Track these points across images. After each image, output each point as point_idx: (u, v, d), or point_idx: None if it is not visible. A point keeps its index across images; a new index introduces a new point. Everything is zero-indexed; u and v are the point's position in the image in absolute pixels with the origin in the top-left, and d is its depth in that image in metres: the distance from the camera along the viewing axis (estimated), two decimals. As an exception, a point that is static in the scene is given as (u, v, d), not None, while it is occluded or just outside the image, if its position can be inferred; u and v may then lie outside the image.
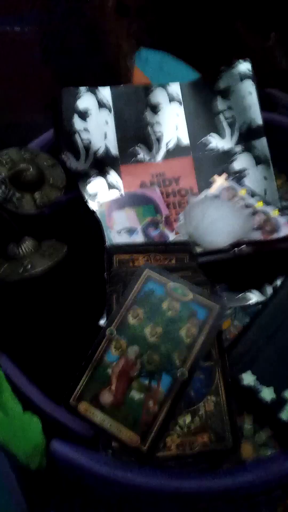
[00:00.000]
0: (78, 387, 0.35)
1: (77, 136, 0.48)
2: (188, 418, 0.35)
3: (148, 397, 0.34)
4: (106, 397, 0.34)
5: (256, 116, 0.49)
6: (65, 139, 0.48)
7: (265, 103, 0.51)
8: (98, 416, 0.34)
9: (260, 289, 0.45)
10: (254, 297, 0.44)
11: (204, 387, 0.35)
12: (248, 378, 0.36)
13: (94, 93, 0.50)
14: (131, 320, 0.36)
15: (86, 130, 0.48)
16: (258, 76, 0.51)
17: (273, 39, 0.85)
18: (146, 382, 0.34)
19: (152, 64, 0.77)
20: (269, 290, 0.44)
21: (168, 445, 0.34)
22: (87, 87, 0.49)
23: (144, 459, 0.33)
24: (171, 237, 0.47)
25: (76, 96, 0.48)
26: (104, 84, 0.51)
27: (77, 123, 0.48)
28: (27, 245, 0.40)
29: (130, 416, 0.33)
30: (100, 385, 0.35)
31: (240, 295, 0.44)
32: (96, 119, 0.49)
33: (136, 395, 0.34)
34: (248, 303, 0.44)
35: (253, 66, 0.50)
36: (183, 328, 0.36)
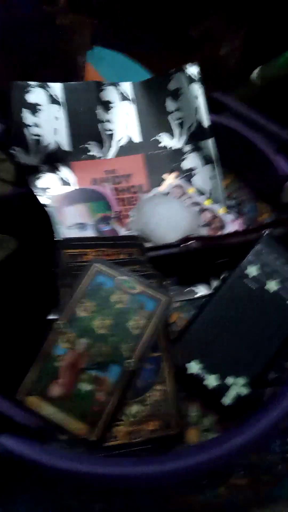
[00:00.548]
0: (25, 381, 0.35)
1: (26, 130, 0.47)
2: (135, 408, 0.36)
3: (96, 388, 0.34)
4: (55, 390, 0.34)
5: (202, 118, 0.51)
6: (15, 133, 0.47)
7: (213, 106, 0.53)
8: (46, 409, 0.34)
9: (207, 283, 0.47)
10: (201, 291, 0.46)
11: (152, 377, 0.37)
12: (194, 367, 0.38)
13: (44, 88, 0.49)
14: (80, 313, 0.37)
15: (36, 125, 0.48)
16: (208, 80, 0.53)
17: (226, 48, 0.89)
18: (95, 373, 0.35)
19: (106, 62, 0.78)
20: (215, 284, 0.47)
21: (116, 434, 0.34)
22: (37, 82, 0.49)
23: (94, 448, 0.33)
24: (122, 233, 0.48)
25: (26, 90, 0.48)
26: (56, 80, 0.51)
27: (27, 117, 0.48)
28: (-27, 239, 0.39)
29: (79, 407, 0.34)
30: (48, 378, 0.35)
31: (187, 288, 0.46)
32: (46, 114, 0.49)
33: (85, 386, 0.34)
34: (195, 296, 0.46)
35: (201, 70, 0.53)
36: (131, 320, 0.37)
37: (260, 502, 0.38)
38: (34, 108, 0.48)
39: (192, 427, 0.39)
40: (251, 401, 0.38)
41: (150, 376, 0.36)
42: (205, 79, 0.53)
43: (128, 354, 0.35)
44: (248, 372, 0.38)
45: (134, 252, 0.42)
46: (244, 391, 0.37)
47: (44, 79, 0.50)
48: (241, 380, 0.37)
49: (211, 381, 0.37)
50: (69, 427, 0.33)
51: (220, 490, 0.37)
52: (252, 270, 0.41)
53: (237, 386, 0.37)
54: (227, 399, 0.37)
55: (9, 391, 0.34)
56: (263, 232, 0.45)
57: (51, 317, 0.40)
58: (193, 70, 0.52)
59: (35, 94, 0.49)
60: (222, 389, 0.37)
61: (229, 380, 0.37)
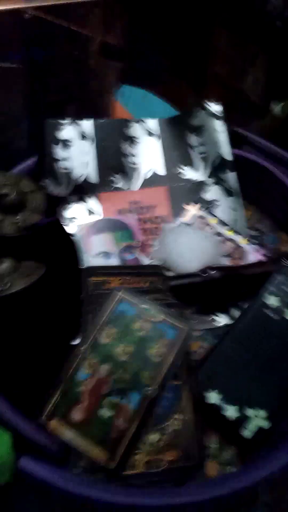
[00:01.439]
0: (50, 404, 0.36)
1: (56, 164, 0.51)
2: (156, 436, 0.36)
3: (117, 415, 0.35)
4: (77, 415, 0.35)
5: (226, 152, 0.53)
6: (47, 167, 0.50)
7: (234, 140, 0.55)
8: (67, 434, 0.34)
9: (228, 313, 0.47)
10: (222, 320, 0.46)
11: (172, 405, 0.37)
12: (213, 397, 0.38)
13: (75, 125, 0.53)
14: (103, 339, 0.38)
15: (66, 159, 0.51)
16: (230, 116, 0.56)
17: (249, 81, 0.92)
18: (116, 399, 0.36)
19: (133, 100, 0.82)
20: (235, 313, 0.47)
21: (136, 463, 0.35)
22: (70, 119, 0.53)
23: (112, 476, 0.33)
24: (146, 262, 0.49)
25: (59, 127, 0.52)
26: (86, 117, 0.55)
27: (57, 152, 0.51)
28: (6, 265, 0.42)
29: (99, 433, 0.34)
30: (71, 403, 0.36)
31: (209, 318, 0.47)
32: (76, 149, 0.52)
33: (106, 412, 0.35)
34: (216, 325, 0.46)
35: (221, 106, 0.55)
36: (153, 348, 0.37)
37: None
38: (65, 144, 0.52)
39: (211, 460, 0.38)
40: (272, 434, 0.38)
41: (170, 405, 0.37)
42: (228, 112, 0.56)
43: (148, 382, 0.36)
44: (269, 404, 0.37)
45: (156, 281, 0.43)
46: (265, 423, 0.37)
47: (75, 115, 0.54)
48: (261, 413, 0.37)
49: (231, 412, 0.37)
50: (89, 453, 0.34)
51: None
52: (273, 300, 0.41)
53: (258, 418, 0.37)
54: (248, 432, 0.37)
55: (32, 414, 0.35)
56: (283, 262, 0.46)
57: (74, 342, 0.41)
58: (215, 107, 0.54)
59: (67, 131, 0.52)
60: (242, 421, 0.37)
61: (249, 412, 0.37)
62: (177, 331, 0.38)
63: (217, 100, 0.56)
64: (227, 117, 0.56)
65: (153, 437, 0.36)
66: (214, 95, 0.57)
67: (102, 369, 0.37)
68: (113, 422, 0.35)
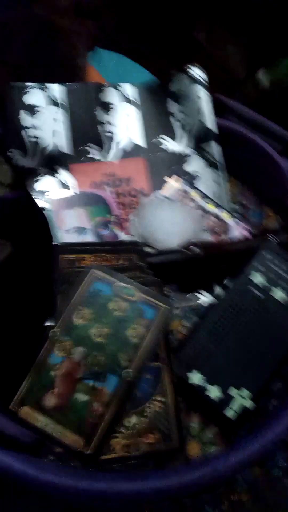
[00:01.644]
0: (20, 391, 0.33)
1: (24, 132, 0.46)
2: (134, 419, 0.34)
3: (93, 399, 0.33)
4: (50, 401, 0.33)
5: (205, 119, 0.50)
6: (12, 136, 0.46)
7: (216, 109, 0.52)
8: (40, 421, 0.32)
9: (209, 289, 0.45)
10: (203, 297, 0.44)
11: (151, 387, 0.35)
12: (195, 377, 0.36)
13: (43, 89, 0.48)
14: (76, 320, 0.35)
15: (34, 126, 0.47)
16: (212, 83, 0.52)
17: (230, 49, 0.88)
18: (92, 383, 0.34)
19: (107, 64, 0.77)
20: (217, 290, 0.45)
21: (113, 447, 0.33)
22: (36, 83, 0.48)
23: (88, 462, 0.32)
24: (122, 237, 0.47)
25: (23, 91, 0.47)
26: (56, 81, 0.50)
27: (25, 119, 0.46)
28: None
29: (74, 419, 0.33)
30: (43, 389, 0.33)
31: (189, 295, 0.45)
32: (45, 116, 0.48)
33: (81, 397, 0.33)
34: (197, 303, 0.44)
35: (204, 72, 0.52)
36: (130, 328, 0.35)
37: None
38: (32, 110, 0.47)
39: (193, 440, 0.37)
40: (254, 413, 0.37)
41: (150, 387, 0.35)
42: (209, 82, 0.52)
43: (127, 364, 0.34)
44: (252, 384, 0.36)
45: (133, 258, 0.40)
46: (248, 403, 0.36)
47: (44, 81, 0.49)
48: (245, 392, 0.36)
49: (213, 392, 0.36)
50: (64, 440, 0.32)
51: (223, 506, 0.36)
52: (257, 277, 0.40)
53: (241, 398, 0.36)
54: (231, 411, 0.35)
55: (2, 402, 0.33)
56: (268, 238, 0.44)
57: (46, 324, 0.39)
58: (196, 71, 0.51)
59: (33, 95, 0.47)
60: (225, 400, 0.36)
61: (232, 391, 0.36)
62: (157, 310, 0.36)
63: (191, 62, 0.52)
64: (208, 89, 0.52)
65: (132, 420, 0.34)
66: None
67: (76, 351, 0.34)
68: (89, 406, 0.33)
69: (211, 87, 0.54)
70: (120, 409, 0.33)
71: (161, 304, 0.36)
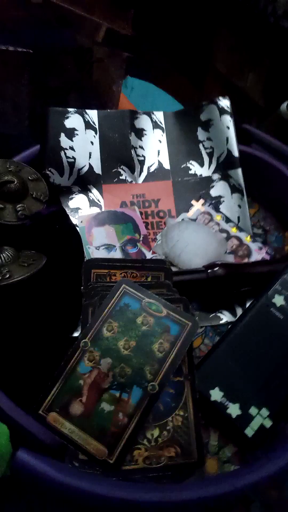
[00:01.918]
0: (49, 397, 0.35)
1: (62, 153, 0.49)
2: (156, 432, 0.35)
3: (117, 409, 0.34)
4: (76, 408, 0.34)
5: (233, 148, 0.53)
6: (51, 155, 0.49)
7: (241, 137, 0.55)
8: (67, 427, 0.34)
9: (232, 310, 0.47)
10: (224, 317, 0.46)
11: (173, 401, 0.36)
12: (216, 394, 0.37)
13: (82, 114, 0.52)
14: (105, 332, 0.37)
15: (71, 148, 0.50)
16: (236, 112, 0.55)
17: (250, 80, 0.92)
18: (117, 394, 0.35)
19: (138, 92, 0.81)
20: (239, 311, 0.47)
21: (135, 459, 0.34)
22: (75, 108, 0.51)
23: (111, 471, 0.33)
24: (148, 256, 0.49)
25: (64, 116, 0.50)
26: (90, 107, 0.54)
27: (64, 141, 0.50)
28: (6, 254, 0.41)
29: (99, 427, 0.34)
30: (71, 396, 0.35)
31: (211, 315, 0.46)
32: (82, 139, 0.51)
33: (106, 407, 0.34)
34: (219, 323, 0.46)
35: (231, 103, 0.54)
36: (155, 343, 0.37)
37: None
38: (71, 133, 0.50)
39: (211, 457, 0.38)
40: (272, 433, 0.37)
41: (173, 401, 0.36)
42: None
43: (151, 377, 0.35)
44: (271, 404, 0.37)
45: (161, 276, 0.42)
46: (267, 422, 0.36)
47: (79, 105, 0.53)
48: (264, 411, 0.37)
49: (234, 410, 0.37)
50: (88, 447, 0.33)
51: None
52: (279, 300, 0.41)
53: (261, 417, 0.36)
54: (250, 430, 0.36)
55: (31, 407, 0.34)
56: (290, 262, 0.45)
57: (73, 335, 0.40)
58: (225, 102, 0.54)
59: (73, 120, 0.51)
60: (246, 419, 0.36)
61: (253, 410, 0.37)
62: (181, 327, 0.37)
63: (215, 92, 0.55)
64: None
65: (154, 432, 0.35)
66: (215, 93, 0.56)
67: (103, 362, 0.36)
68: (113, 416, 0.34)
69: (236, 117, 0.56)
70: (143, 420, 0.34)
71: (186, 321, 0.38)
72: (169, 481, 0.34)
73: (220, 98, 0.54)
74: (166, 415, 0.36)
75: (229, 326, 0.42)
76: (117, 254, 0.48)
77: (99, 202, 0.51)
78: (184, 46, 0.96)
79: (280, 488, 0.38)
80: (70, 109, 0.51)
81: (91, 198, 0.51)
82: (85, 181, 0.51)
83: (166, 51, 0.98)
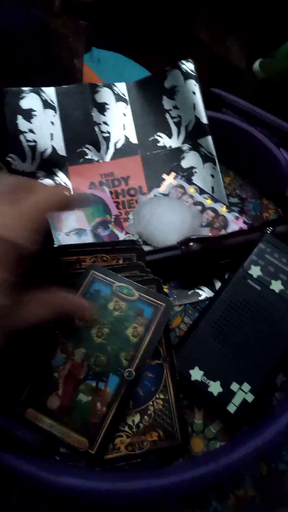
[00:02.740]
0: (25, 393, 0.34)
1: (22, 137, 0.47)
2: (137, 418, 0.35)
3: (95, 400, 0.34)
4: (53, 402, 0.34)
5: (201, 115, 0.50)
6: (10, 141, 0.47)
7: (211, 102, 0.52)
8: (46, 423, 0.33)
9: (210, 285, 0.45)
10: (204, 293, 0.45)
11: (153, 385, 0.35)
12: (197, 374, 0.37)
13: (38, 93, 0.49)
14: (77, 322, 0.36)
15: (31, 131, 0.47)
16: (209, 76, 0.52)
17: (232, 46, 0.87)
18: (93, 384, 0.34)
19: (105, 64, 0.77)
20: (218, 285, 0.45)
21: (118, 446, 0.34)
22: (30, 87, 0.48)
23: (94, 462, 0.32)
24: (121, 237, 0.47)
25: (19, 96, 0.47)
26: (53, 84, 0.50)
27: (22, 124, 0.47)
28: None
29: (78, 419, 0.33)
30: (47, 390, 0.34)
31: (190, 291, 0.45)
32: (41, 120, 0.48)
33: (83, 398, 0.34)
34: (198, 299, 0.44)
35: (204, 68, 0.51)
36: (129, 328, 0.36)
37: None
38: (29, 114, 0.48)
39: (197, 436, 0.38)
40: (258, 407, 0.37)
41: (152, 385, 0.35)
42: (209, 77, 0.51)
43: (127, 363, 0.34)
44: (254, 378, 0.36)
45: (132, 257, 0.41)
46: (251, 397, 0.36)
47: (42, 85, 0.50)
48: (246, 386, 0.36)
49: (215, 388, 0.36)
50: (69, 440, 0.33)
51: (229, 501, 0.36)
52: (256, 270, 0.40)
53: (243, 393, 0.36)
54: (233, 407, 0.36)
55: (8, 405, 0.34)
56: (266, 230, 0.43)
57: (49, 327, 0.39)
58: (189, 65, 0.50)
59: (30, 100, 0.48)
60: (227, 396, 0.36)
61: (234, 386, 0.36)
62: (155, 309, 0.36)
63: (194, 59, 0.51)
64: (210, 84, 0.52)
65: (135, 418, 0.35)
66: (197, 62, 0.53)
67: (77, 353, 0.35)
68: (91, 407, 0.33)
69: (211, 82, 0.53)
70: (123, 408, 0.34)
71: (160, 302, 0.36)
72: (155, 466, 0.34)
73: (183, 61, 0.50)
74: (146, 400, 0.35)
75: (207, 303, 0.41)
76: (88, 239, 0.46)
77: (66, 185, 0.49)
78: (161, 14, 0.90)
79: (269, 461, 0.37)
80: (25, 89, 0.48)
81: (57, 182, 0.49)
82: (50, 165, 0.49)
83: (142, 19, 0.93)
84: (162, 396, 0.35)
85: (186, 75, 0.50)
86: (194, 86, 0.50)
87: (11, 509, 0.34)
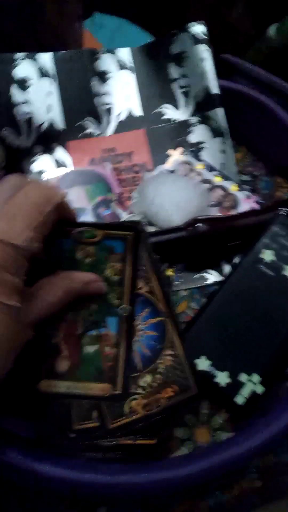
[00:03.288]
0: (31, 369, 0.32)
1: (16, 109, 0.44)
2: (148, 378, 0.33)
3: (102, 345, 0.32)
4: (62, 365, 0.32)
5: (211, 84, 0.46)
6: (3, 114, 0.43)
7: (221, 69, 0.48)
8: (63, 386, 0.32)
9: (218, 268, 0.43)
10: (211, 277, 0.42)
11: (159, 343, 0.34)
12: (203, 364, 0.35)
13: (34, 59, 0.45)
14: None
15: (26, 102, 0.44)
16: (220, 45, 0.47)
17: (238, 5, 0.81)
18: (94, 333, 0.33)
19: (108, 30, 0.72)
20: (227, 269, 0.43)
21: (134, 409, 0.32)
22: (24, 53, 0.44)
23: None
24: (124, 216, 0.44)
25: (12, 64, 0.44)
26: (48, 50, 0.46)
27: (15, 94, 0.44)
28: None
29: (92, 370, 0.32)
30: (52, 357, 0.32)
31: (196, 275, 0.42)
32: (37, 90, 0.44)
33: (90, 348, 0.32)
34: (205, 283, 0.42)
35: (208, 29, 0.47)
36: (107, 269, 0.33)
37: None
38: (23, 84, 0.44)
39: (202, 427, 0.36)
40: (266, 398, 0.35)
41: (157, 343, 0.34)
42: (216, 44, 0.47)
43: (119, 302, 0.33)
44: (263, 368, 0.34)
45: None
46: (259, 388, 0.34)
47: (36, 49, 0.46)
48: (255, 377, 0.34)
49: (223, 378, 0.34)
50: (91, 392, 0.32)
51: (234, 491, 0.35)
52: (268, 254, 0.37)
53: (251, 384, 0.34)
54: (241, 398, 0.34)
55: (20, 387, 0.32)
56: (279, 210, 0.40)
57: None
58: (198, 29, 0.46)
59: (24, 68, 0.44)
60: (235, 387, 0.34)
61: (242, 377, 0.34)
62: (125, 241, 0.34)
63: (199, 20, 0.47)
64: (215, 50, 0.47)
65: (147, 379, 0.33)
66: None
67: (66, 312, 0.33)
68: (101, 353, 0.32)
69: (219, 48, 0.49)
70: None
71: (127, 232, 0.33)
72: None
73: (192, 24, 0.46)
74: (155, 358, 0.34)
75: (215, 288, 0.39)
76: (88, 218, 0.43)
77: (66, 161, 0.46)
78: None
79: (274, 451, 0.36)
80: (17, 55, 0.44)
81: (56, 158, 0.46)
82: (47, 139, 0.46)
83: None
84: (170, 352, 0.34)
85: (196, 39, 0.46)
86: (204, 51, 0.45)
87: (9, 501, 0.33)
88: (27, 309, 0.27)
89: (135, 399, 0.32)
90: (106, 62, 0.47)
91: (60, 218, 0.29)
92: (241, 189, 0.46)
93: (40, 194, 0.27)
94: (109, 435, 0.32)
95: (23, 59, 0.44)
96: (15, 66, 0.44)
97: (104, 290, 0.33)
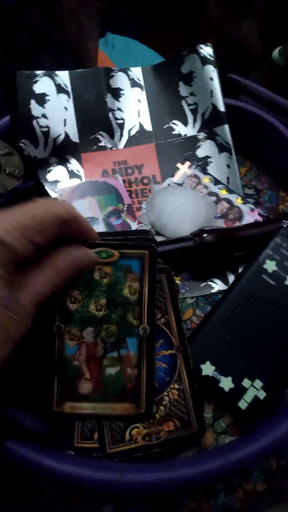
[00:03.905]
0: (54, 392, 0.33)
1: (35, 122, 0.46)
2: (153, 409, 0.34)
3: (123, 367, 0.33)
4: (86, 387, 0.33)
5: (218, 102, 0.48)
6: (22, 126, 0.46)
7: (228, 89, 0.50)
8: (86, 408, 0.33)
9: (223, 278, 0.45)
10: (216, 286, 0.44)
11: (167, 376, 0.35)
12: (207, 369, 0.36)
13: (52, 77, 0.48)
14: (71, 306, 0.35)
15: (44, 116, 0.46)
16: (223, 61, 0.50)
17: (246, 27, 0.84)
18: (115, 354, 0.33)
19: (120, 50, 0.75)
20: (231, 278, 0.44)
21: (134, 437, 0.34)
22: (44, 70, 0.47)
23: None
24: (134, 226, 0.46)
25: (32, 80, 0.46)
26: (65, 68, 0.49)
27: (35, 108, 0.46)
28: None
29: (115, 390, 0.33)
30: (74, 380, 0.33)
31: (202, 284, 0.44)
32: (54, 105, 0.47)
33: (112, 370, 0.33)
34: (210, 291, 0.44)
35: (215, 51, 0.49)
36: (124, 288, 0.34)
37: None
38: (42, 99, 0.47)
39: (206, 430, 0.37)
40: (269, 403, 0.36)
41: (166, 376, 0.35)
42: (223, 63, 0.50)
43: (138, 322, 0.34)
44: (266, 374, 0.35)
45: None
46: (263, 394, 0.35)
47: (53, 66, 0.49)
48: (258, 383, 0.35)
49: (227, 383, 0.36)
50: (116, 412, 0.33)
51: (237, 495, 0.36)
52: (271, 265, 0.39)
53: (255, 389, 0.35)
54: (244, 403, 0.35)
55: (40, 408, 0.33)
56: (282, 223, 0.42)
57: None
58: (207, 50, 0.49)
59: (42, 84, 0.47)
60: (238, 392, 0.35)
61: (246, 382, 0.35)
62: (141, 260, 0.34)
63: (208, 42, 0.49)
64: (222, 67, 0.50)
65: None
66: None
67: (85, 334, 0.34)
68: (123, 374, 0.33)
69: (226, 67, 0.51)
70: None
71: (142, 251, 0.34)
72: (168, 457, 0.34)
73: (202, 45, 0.49)
74: (162, 390, 0.35)
75: (220, 296, 0.40)
76: (100, 227, 0.45)
77: (79, 172, 0.48)
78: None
79: (279, 456, 0.37)
80: (38, 72, 0.47)
81: (70, 169, 0.48)
82: (62, 151, 0.48)
83: (152, 1, 0.90)
84: (177, 386, 0.35)
85: (204, 60, 0.49)
86: (212, 71, 0.48)
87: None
88: (18, 297, 0.26)
89: (137, 427, 0.34)
90: (120, 80, 0.50)
91: (71, 235, 0.28)
92: (245, 202, 0.48)
93: (39, 204, 0.27)
94: (107, 459, 0.32)
95: (43, 75, 0.47)
96: (36, 82, 0.46)
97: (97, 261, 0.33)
